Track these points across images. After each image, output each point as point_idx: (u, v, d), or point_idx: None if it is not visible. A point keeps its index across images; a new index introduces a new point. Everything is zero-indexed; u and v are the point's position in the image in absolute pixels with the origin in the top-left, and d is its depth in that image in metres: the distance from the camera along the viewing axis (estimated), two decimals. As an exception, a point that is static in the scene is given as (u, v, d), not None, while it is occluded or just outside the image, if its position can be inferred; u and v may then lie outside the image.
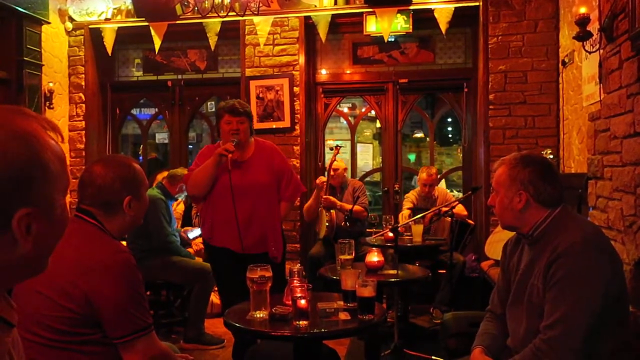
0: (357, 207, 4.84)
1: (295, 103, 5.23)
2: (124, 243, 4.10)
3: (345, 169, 5.09)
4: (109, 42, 5.49)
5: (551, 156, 4.14)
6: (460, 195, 5.71)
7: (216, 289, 4.68)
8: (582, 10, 3.12)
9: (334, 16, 5.14)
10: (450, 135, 11.52)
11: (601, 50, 3.06)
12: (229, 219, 3.07)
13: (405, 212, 4.86)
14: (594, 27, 3.15)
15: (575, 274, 1.70)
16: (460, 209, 4.68)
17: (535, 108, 4.77)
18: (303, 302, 2.11)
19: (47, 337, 1.53)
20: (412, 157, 10.31)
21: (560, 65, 4.58)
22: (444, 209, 4.40)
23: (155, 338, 1.66)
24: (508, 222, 1.96)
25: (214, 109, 8.34)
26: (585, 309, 1.67)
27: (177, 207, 5.11)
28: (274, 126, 5.23)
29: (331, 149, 5.04)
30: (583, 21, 3.12)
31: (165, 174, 4.60)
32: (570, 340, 1.67)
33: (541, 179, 1.90)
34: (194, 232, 4.85)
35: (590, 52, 3.24)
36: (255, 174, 3.15)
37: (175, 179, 4.29)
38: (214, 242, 3.18)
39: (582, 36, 3.17)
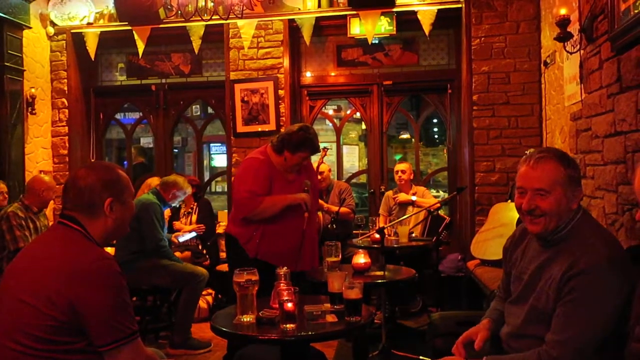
0: (344, 209, 4.84)
1: (280, 106, 5.22)
2: (112, 245, 4.14)
3: (330, 171, 5.10)
4: (91, 46, 5.45)
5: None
6: (446, 195, 5.74)
7: (204, 293, 4.67)
8: (563, 11, 3.15)
9: (318, 19, 5.15)
10: (435, 136, 11.61)
11: (582, 51, 3.10)
12: (289, 240, 3.21)
13: (381, 218, 4.96)
14: (574, 28, 3.19)
15: (594, 295, 1.66)
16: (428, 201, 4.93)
17: (519, 108, 4.81)
18: (290, 305, 2.12)
19: (31, 347, 1.51)
20: (398, 158, 10.36)
21: (542, 65, 4.63)
22: (431, 207, 4.45)
23: (141, 345, 1.65)
24: (555, 225, 1.77)
25: (198, 113, 8.31)
26: (599, 330, 1.66)
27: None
28: (259, 129, 5.22)
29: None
30: (563, 22, 3.16)
31: (156, 179, 4.59)
32: (580, 357, 1.67)
33: (580, 177, 1.83)
34: (185, 237, 4.88)
35: (571, 53, 3.28)
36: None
37: (168, 185, 4.27)
38: (262, 257, 3.20)
39: (563, 37, 3.21)
